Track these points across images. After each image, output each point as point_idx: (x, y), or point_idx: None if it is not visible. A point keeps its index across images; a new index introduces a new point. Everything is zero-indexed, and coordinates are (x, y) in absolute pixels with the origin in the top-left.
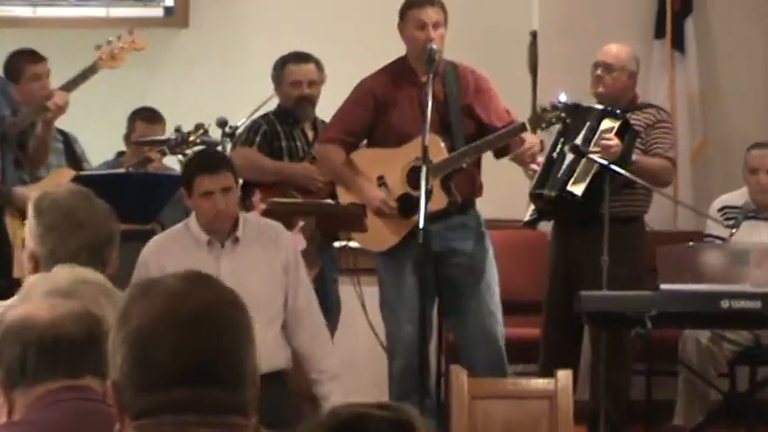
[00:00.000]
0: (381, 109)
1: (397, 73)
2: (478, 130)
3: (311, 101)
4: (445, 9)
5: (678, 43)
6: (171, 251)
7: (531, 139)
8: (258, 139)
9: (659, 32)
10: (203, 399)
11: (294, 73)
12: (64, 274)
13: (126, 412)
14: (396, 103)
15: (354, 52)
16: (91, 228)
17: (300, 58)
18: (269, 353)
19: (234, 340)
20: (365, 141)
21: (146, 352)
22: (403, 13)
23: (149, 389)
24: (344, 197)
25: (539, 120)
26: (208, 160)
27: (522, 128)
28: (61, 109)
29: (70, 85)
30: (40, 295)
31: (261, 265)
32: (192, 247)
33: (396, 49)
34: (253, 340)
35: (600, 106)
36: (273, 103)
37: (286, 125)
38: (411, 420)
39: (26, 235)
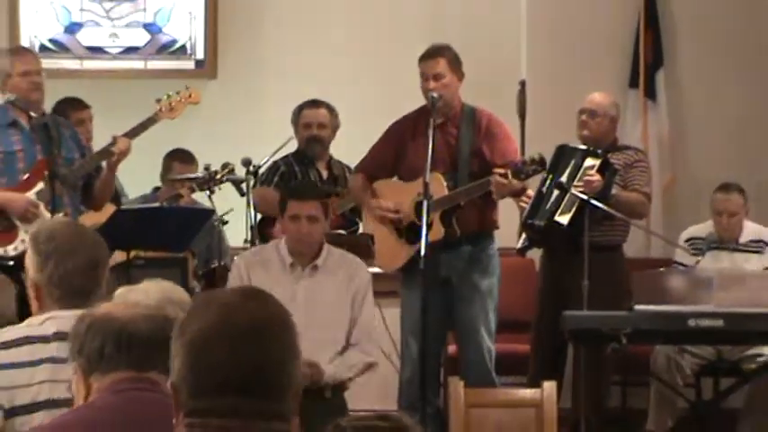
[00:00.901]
0: (401, 147)
1: (419, 117)
2: (481, 168)
3: (320, 141)
4: (450, 58)
5: (650, 92)
6: (258, 265)
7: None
8: (276, 179)
9: (633, 83)
10: (248, 407)
11: (306, 116)
12: (153, 290)
13: (181, 409)
14: (414, 142)
15: (367, 100)
16: (82, 253)
17: (314, 103)
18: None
19: (280, 356)
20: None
21: (199, 359)
22: (419, 67)
23: (201, 393)
24: (365, 226)
25: (519, 172)
26: (300, 188)
27: (488, 184)
28: (124, 154)
29: (132, 133)
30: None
31: (333, 293)
32: (277, 266)
33: (406, 100)
34: (298, 356)
35: (583, 146)
36: (294, 145)
37: (302, 165)
38: (408, 430)
39: (27, 265)
